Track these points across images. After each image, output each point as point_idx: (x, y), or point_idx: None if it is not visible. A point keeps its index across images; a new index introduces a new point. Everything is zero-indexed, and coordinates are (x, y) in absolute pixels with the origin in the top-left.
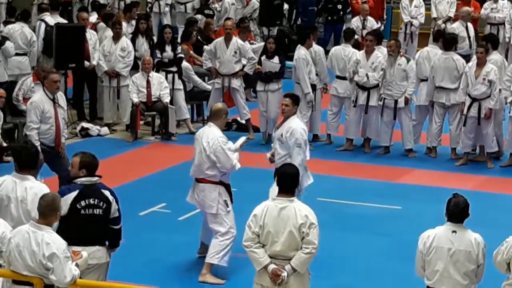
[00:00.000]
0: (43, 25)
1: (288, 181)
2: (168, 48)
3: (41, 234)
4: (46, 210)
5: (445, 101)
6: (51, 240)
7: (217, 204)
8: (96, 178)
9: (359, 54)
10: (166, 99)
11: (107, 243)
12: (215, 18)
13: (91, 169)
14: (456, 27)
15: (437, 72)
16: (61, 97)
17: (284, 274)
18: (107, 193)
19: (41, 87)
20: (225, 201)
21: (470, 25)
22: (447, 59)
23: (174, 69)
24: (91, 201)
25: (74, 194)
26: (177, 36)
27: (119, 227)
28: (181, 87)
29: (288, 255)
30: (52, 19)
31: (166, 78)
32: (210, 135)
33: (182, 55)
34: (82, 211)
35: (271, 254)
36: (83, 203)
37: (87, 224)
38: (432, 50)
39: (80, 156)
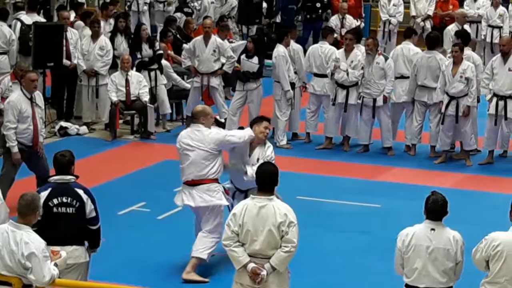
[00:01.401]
0: (18, 24)
1: (267, 180)
2: (146, 47)
3: (20, 233)
4: (25, 210)
5: (427, 100)
6: (30, 240)
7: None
8: (69, 177)
9: (338, 53)
10: (145, 98)
11: (86, 243)
12: (194, 16)
13: (63, 167)
14: (451, 29)
15: (419, 71)
16: (38, 96)
17: (264, 272)
18: (80, 192)
19: (19, 86)
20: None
21: (467, 27)
22: (430, 58)
23: (155, 66)
24: (64, 199)
25: (46, 192)
26: (155, 35)
27: (97, 227)
28: (165, 81)
29: (268, 253)
30: (28, 17)
31: (149, 76)
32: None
33: (161, 51)
34: (55, 209)
35: (250, 253)
36: (55, 201)
37: (60, 223)
38: (406, 47)
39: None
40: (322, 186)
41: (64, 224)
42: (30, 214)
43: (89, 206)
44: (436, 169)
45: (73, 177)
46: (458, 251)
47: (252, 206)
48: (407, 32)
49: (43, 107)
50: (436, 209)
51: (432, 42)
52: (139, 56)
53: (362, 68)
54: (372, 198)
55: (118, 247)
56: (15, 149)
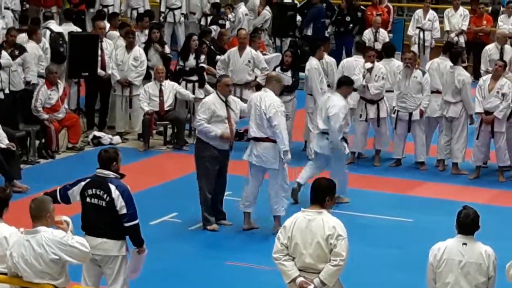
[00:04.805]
0: (48, 32)
1: (319, 193)
2: (191, 57)
3: (40, 235)
4: (37, 212)
5: (446, 114)
6: (50, 237)
7: (278, 160)
8: (108, 172)
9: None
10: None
11: (126, 238)
12: (227, 28)
13: (102, 162)
14: (489, 49)
15: (444, 86)
16: (233, 101)
17: (311, 287)
18: (112, 187)
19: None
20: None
21: (507, 47)
22: (452, 73)
23: (194, 78)
24: (97, 192)
25: (84, 182)
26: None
27: (131, 224)
28: (202, 96)
29: (318, 268)
30: (58, 26)
31: (186, 87)
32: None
33: (204, 65)
34: (88, 199)
35: (300, 267)
36: (89, 191)
37: (93, 213)
38: (443, 62)
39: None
40: (354, 200)
41: (96, 216)
42: (42, 217)
43: (119, 202)
44: (469, 185)
45: (113, 173)
46: (491, 265)
47: (302, 219)
48: (445, 47)
49: (237, 111)
50: (467, 223)
51: (454, 56)
52: (181, 63)
53: (383, 78)
54: (405, 212)
55: (149, 256)
56: (219, 132)
